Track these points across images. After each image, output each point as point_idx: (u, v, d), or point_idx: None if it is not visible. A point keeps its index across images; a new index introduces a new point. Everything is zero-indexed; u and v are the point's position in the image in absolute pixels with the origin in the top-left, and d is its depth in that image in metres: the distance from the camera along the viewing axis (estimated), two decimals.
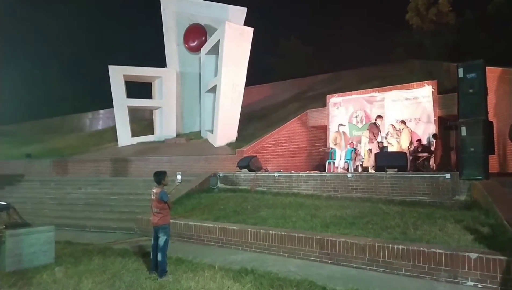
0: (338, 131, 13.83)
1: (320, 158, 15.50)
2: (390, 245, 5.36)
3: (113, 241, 8.07)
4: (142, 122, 22.28)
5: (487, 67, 8.26)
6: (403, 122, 12.76)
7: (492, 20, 20.71)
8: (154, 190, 5.49)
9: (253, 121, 18.91)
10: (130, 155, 16.00)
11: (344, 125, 14.36)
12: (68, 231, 9.28)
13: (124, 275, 5.34)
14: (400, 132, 12.60)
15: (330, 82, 20.78)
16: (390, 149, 12.51)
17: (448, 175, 8.22)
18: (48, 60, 38.10)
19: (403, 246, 5.27)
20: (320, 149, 15.64)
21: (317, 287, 4.71)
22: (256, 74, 22.25)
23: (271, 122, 17.44)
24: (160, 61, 20.24)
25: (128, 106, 18.71)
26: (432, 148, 12.29)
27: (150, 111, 20.97)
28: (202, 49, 19.13)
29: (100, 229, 9.65)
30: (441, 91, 13.13)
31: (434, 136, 12.47)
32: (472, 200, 7.50)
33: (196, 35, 19.84)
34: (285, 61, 31.21)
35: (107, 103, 21.45)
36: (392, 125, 12.97)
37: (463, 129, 8.05)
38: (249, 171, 11.71)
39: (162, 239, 5.36)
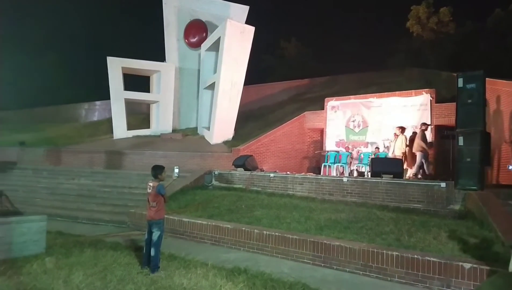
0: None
1: (316, 161, 15.52)
2: (384, 251, 5.36)
3: (105, 234, 7.99)
4: (138, 115, 22.13)
5: (486, 78, 8.31)
6: (401, 128, 12.42)
7: (491, 32, 20.91)
8: (150, 184, 5.44)
9: (250, 120, 18.87)
10: (125, 148, 15.89)
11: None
12: (59, 221, 9.17)
13: (116, 268, 5.28)
14: (395, 137, 12.49)
15: (328, 85, 20.79)
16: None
17: (443, 184, 8.24)
18: (45, 49, 37.66)
19: (397, 253, 5.27)
20: (316, 152, 15.66)
21: (311, 289, 4.70)
22: (255, 73, 22.24)
23: (268, 122, 17.41)
24: (159, 55, 20.15)
25: (125, 99, 18.58)
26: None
27: (147, 105, 20.85)
28: (202, 45, 19.05)
29: (92, 221, 9.56)
30: (438, 100, 13.20)
31: (430, 144, 12.52)
32: (466, 210, 7.53)
33: (197, 31, 19.76)
34: (284, 62, 31.24)
35: (104, 94, 21.26)
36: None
37: (461, 139, 8.11)
38: (245, 170, 11.68)
39: (156, 234, 5.32)
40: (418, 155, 11.29)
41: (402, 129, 12.41)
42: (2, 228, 5.78)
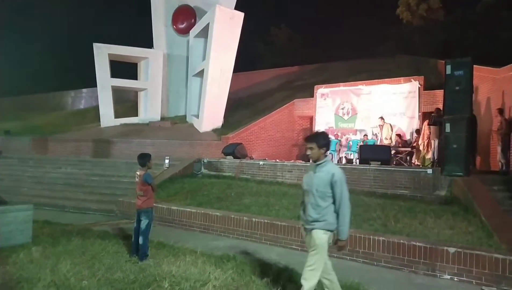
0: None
1: (305, 148, 15.53)
2: (371, 237, 5.43)
3: (93, 223, 7.95)
4: (126, 103, 21.87)
5: (474, 65, 8.37)
6: (381, 118, 13.04)
7: (481, 19, 20.96)
8: (138, 173, 5.39)
9: (240, 108, 18.79)
10: (113, 137, 15.73)
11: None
12: (46, 210, 9.08)
13: (104, 257, 5.25)
14: (381, 128, 12.93)
15: (318, 73, 20.76)
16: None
17: (429, 170, 8.35)
18: (30, 35, 36.85)
19: (383, 238, 5.34)
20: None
21: (298, 275, 4.73)
22: (245, 60, 22.00)
23: (257, 110, 17.36)
24: (147, 41, 19.84)
25: (112, 86, 18.32)
26: (414, 144, 12.46)
27: (135, 92, 20.61)
28: (190, 31, 18.79)
29: (80, 210, 9.49)
30: (427, 87, 13.28)
31: (417, 131, 12.63)
32: (452, 196, 7.65)
33: (185, 17, 19.45)
34: (274, 49, 31.01)
35: (91, 82, 20.92)
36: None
37: (448, 125, 8.17)
38: (234, 158, 11.66)
39: (144, 223, 5.29)
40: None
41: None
42: None
